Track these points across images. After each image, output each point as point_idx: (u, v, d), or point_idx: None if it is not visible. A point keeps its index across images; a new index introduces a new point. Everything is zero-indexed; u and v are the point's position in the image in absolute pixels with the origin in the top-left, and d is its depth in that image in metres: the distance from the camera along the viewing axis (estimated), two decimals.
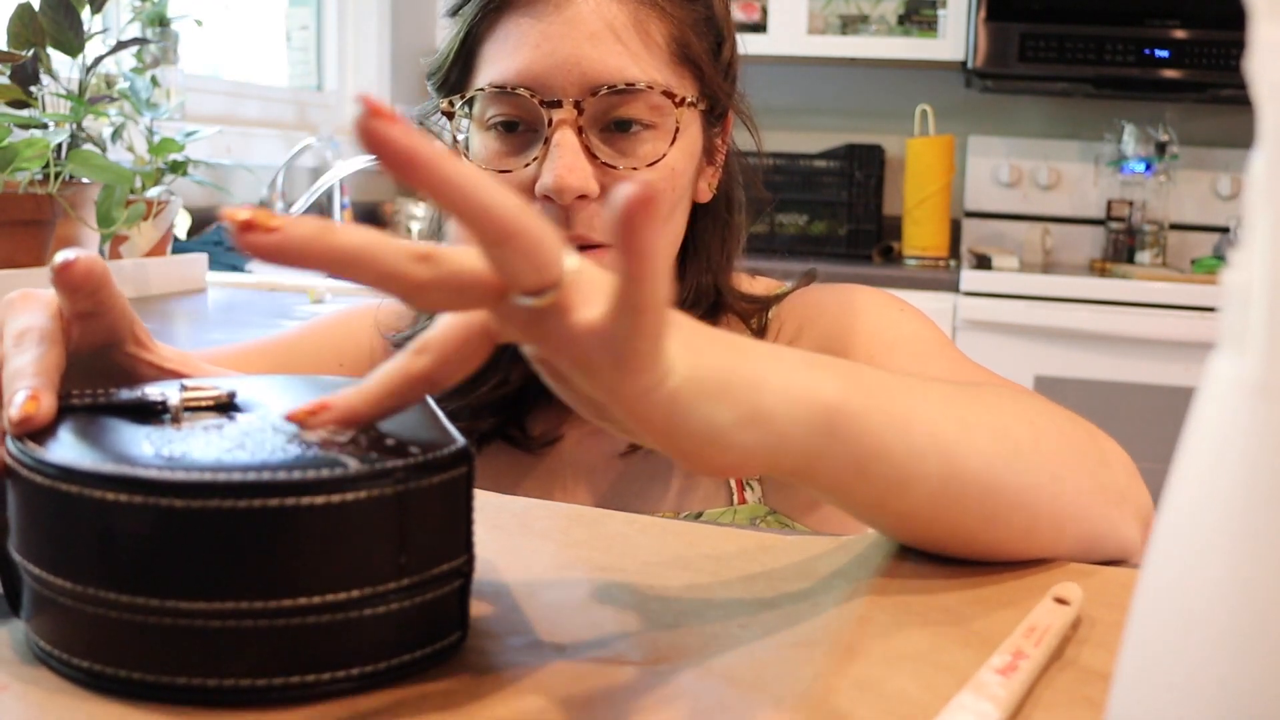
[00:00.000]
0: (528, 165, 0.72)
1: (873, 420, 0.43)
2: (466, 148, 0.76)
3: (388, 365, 0.40)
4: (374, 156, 0.32)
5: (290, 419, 0.40)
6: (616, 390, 0.36)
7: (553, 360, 0.37)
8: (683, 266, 0.80)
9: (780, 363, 0.41)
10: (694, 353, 0.37)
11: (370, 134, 0.32)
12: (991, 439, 0.48)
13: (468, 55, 0.75)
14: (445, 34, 0.77)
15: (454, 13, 0.76)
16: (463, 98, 0.74)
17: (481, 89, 0.73)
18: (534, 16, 0.71)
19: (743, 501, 0.78)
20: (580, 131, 0.71)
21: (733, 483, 0.78)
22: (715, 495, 0.78)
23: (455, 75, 0.76)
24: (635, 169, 0.72)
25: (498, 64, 0.72)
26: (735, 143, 0.84)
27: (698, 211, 0.80)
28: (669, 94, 0.72)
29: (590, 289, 0.35)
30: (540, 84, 0.71)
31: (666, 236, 0.76)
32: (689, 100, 0.74)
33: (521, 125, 0.73)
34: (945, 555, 0.51)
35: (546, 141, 0.71)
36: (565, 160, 0.70)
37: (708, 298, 0.80)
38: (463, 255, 0.35)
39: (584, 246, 0.71)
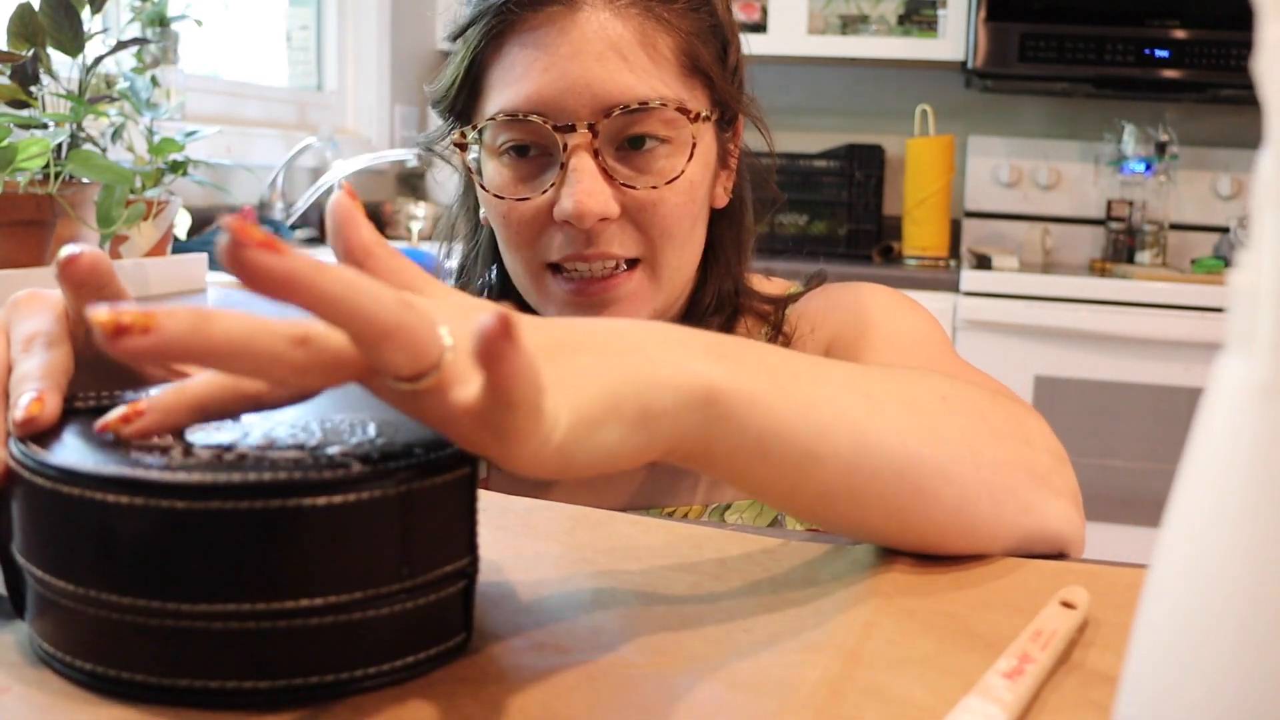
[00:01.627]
0: (545, 191, 0.72)
1: (770, 400, 0.43)
2: (479, 174, 0.76)
3: (217, 374, 0.39)
4: (248, 286, 0.31)
5: (103, 429, 0.38)
6: (502, 459, 0.35)
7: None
8: (704, 273, 0.80)
9: (672, 350, 0.41)
10: (574, 392, 0.37)
11: (242, 264, 0.30)
12: (902, 413, 0.48)
13: (474, 82, 0.74)
14: (444, 43, 0.77)
15: (455, 38, 0.75)
16: (474, 127, 0.74)
17: (493, 118, 0.72)
18: (539, 41, 0.71)
19: None
20: (596, 154, 0.71)
21: None
22: None
23: (462, 102, 0.76)
24: (654, 187, 0.72)
25: (507, 90, 0.72)
26: (746, 143, 0.84)
27: (714, 216, 0.80)
28: (683, 109, 0.72)
29: (466, 367, 0.34)
30: (552, 108, 0.70)
31: (690, 250, 0.76)
32: (703, 114, 0.73)
33: (533, 149, 0.73)
34: (896, 547, 0.50)
35: (563, 166, 0.71)
36: (584, 185, 0.70)
37: (730, 302, 0.81)
38: (339, 335, 0.34)
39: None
